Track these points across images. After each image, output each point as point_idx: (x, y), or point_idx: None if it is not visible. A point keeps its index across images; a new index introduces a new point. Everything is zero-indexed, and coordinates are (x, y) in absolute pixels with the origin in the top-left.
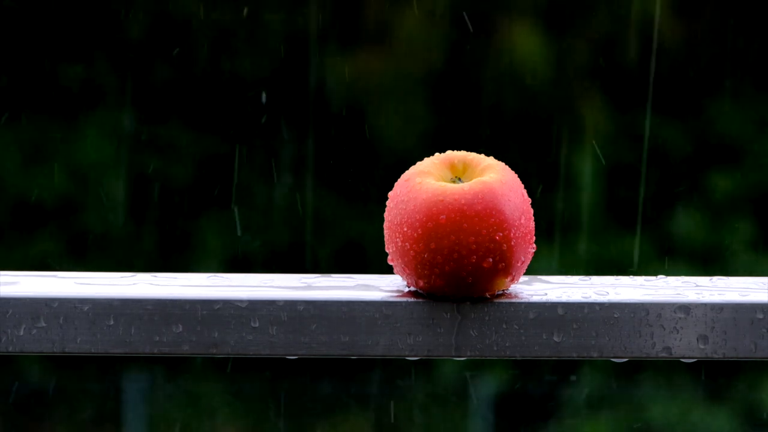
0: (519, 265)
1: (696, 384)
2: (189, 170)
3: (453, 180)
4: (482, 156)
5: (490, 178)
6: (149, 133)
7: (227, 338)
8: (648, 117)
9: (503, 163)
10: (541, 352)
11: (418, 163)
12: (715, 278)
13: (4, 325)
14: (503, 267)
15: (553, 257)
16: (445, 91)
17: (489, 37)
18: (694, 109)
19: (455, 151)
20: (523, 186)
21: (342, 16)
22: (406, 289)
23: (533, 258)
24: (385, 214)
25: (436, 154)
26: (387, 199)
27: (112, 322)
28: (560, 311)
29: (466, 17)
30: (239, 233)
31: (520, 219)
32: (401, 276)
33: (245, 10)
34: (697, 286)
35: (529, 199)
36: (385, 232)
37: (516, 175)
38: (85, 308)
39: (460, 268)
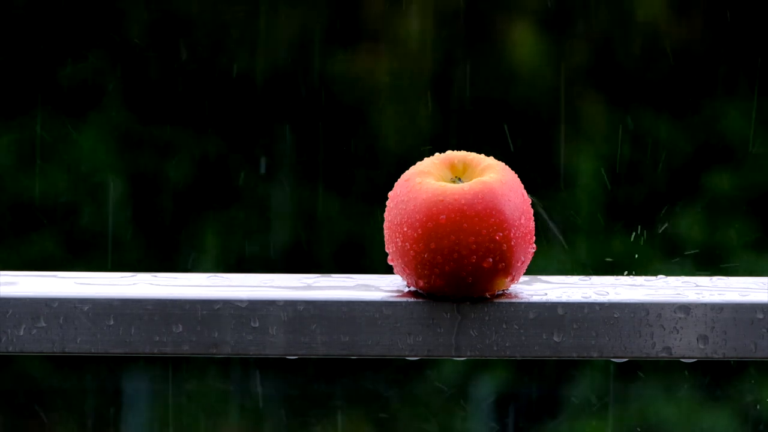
0: (519, 265)
1: (696, 384)
2: (188, 170)
3: (453, 180)
4: (482, 156)
5: (490, 178)
6: (149, 132)
7: (227, 338)
8: (648, 117)
9: (503, 163)
10: (541, 352)
11: (418, 163)
12: (715, 278)
13: (4, 325)
14: (503, 267)
15: (552, 257)
16: (445, 91)
17: (489, 37)
18: (693, 109)
19: (455, 151)
20: (523, 186)
21: (342, 16)
22: (406, 289)
23: (533, 258)
24: (385, 214)
25: (436, 154)
26: (387, 199)
27: (112, 322)
28: (560, 311)
29: (466, 17)
30: (239, 233)
31: (520, 219)
32: (401, 276)
33: (245, 10)
34: (697, 286)
35: (529, 199)
36: (385, 232)
37: (516, 175)
38: (85, 308)
39: (460, 268)
